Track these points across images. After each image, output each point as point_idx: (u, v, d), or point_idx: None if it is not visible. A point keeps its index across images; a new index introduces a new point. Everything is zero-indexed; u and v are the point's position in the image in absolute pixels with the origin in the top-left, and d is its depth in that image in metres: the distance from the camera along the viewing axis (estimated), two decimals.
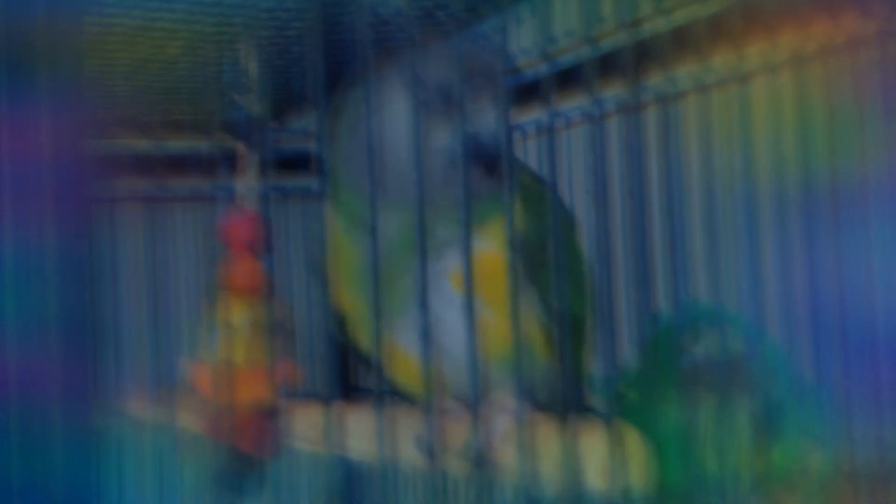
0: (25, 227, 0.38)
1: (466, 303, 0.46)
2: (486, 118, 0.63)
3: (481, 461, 0.48)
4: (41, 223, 0.39)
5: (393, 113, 0.66)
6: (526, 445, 0.48)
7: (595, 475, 0.52)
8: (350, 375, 1.25)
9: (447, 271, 0.66)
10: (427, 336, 0.46)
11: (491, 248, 0.64)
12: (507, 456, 0.59)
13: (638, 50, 0.84)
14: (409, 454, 0.66)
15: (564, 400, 0.51)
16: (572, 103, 0.90)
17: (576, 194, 0.95)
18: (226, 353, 0.82)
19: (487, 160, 0.63)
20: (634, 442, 0.53)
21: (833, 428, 0.68)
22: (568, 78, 0.68)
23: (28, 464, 0.37)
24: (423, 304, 0.46)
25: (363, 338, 0.74)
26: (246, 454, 0.83)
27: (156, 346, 0.43)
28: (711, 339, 0.76)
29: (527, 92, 0.64)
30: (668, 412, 0.81)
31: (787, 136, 0.72)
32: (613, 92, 0.89)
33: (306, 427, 0.80)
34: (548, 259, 0.51)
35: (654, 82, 0.78)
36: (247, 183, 0.88)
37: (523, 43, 0.98)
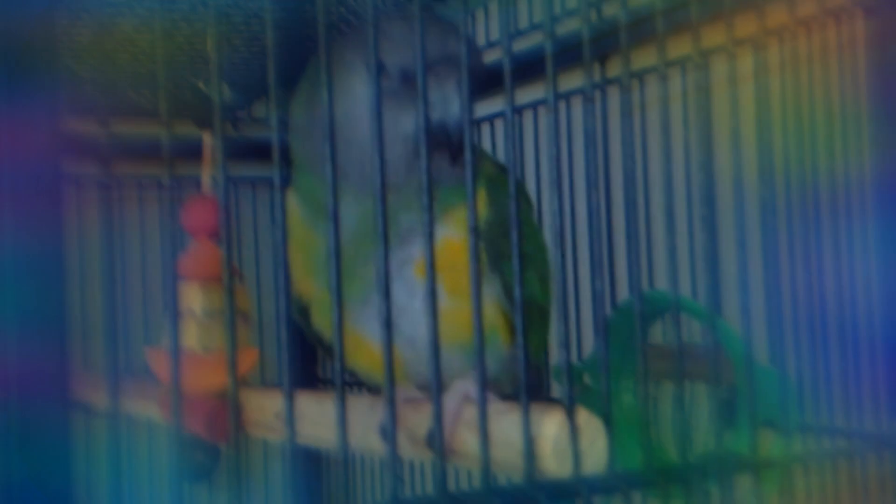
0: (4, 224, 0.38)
1: (428, 289, 0.46)
2: (451, 105, 0.62)
3: (442, 448, 0.48)
4: (14, 219, 0.38)
5: (354, 97, 0.65)
6: (486, 432, 0.48)
7: (554, 461, 0.53)
8: (316, 365, 1.25)
9: (410, 260, 0.66)
10: (389, 324, 0.46)
11: (454, 235, 0.64)
12: (467, 442, 0.59)
13: (604, 41, 0.84)
14: (371, 442, 0.66)
15: (525, 386, 0.51)
16: (537, 93, 0.90)
17: (541, 183, 0.95)
18: (185, 340, 0.81)
19: (452, 147, 0.63)
20: (595, 427, 0.53)
21: (796, 416, 0.68)
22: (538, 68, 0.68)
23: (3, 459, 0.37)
24: (386, 293, 0.46)
25: (325, 326, 0.74)
26: (206, 441, 0.83)
27: (120, 334, 0.43)
28: (672, 328, 0.77)
29: (492, 81, 0.64)
30: (627, 398, 0.81)
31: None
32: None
33: (266, 415, 0.80)
34: (510, 246, 0.51)
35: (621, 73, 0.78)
36: (211, 171, 0.88)
37: (490, 32, 0.98)
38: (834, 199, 0.72)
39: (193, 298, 0.82)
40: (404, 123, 0.64)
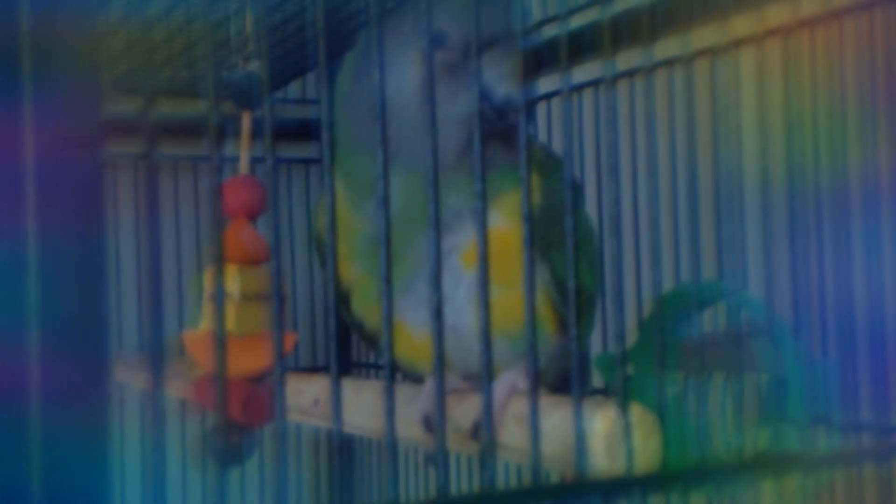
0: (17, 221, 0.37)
1: (481, 280, 0.45)
2: (505, 80, 0.59)
3: (488, 439, 0.46)
4: (42, 218, 0.37)
5: (410, 70, 0.62)
6: (537, 427, 0.47)
7: (606, 457, 0.51)
8: (350, 349, 1.24)
9: (457, 248, 0.63)
10: (440, 317, 0.44)
11: (503, 223, 0.61)
12: (514, 435, 0.58)
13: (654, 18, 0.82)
14: (412, 432, 0.65)
15: (573, 377, 0.49)
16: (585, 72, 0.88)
17: (586, 167, 0.93)
18: (218, 321, 0.80)
19: (508, 127, 0.60)
20: (649, 423, 0.51)
21: (837, 408, 0.67)
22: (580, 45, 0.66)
23: (27, 459, 0.36)
24: (437, 285, 0.44)
25: (364, 313, 0.72)
26: (237, 424, 0.82)
27: (152, 314, 0.42)
28: (717, 316, 0.75)
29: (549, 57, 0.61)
30: (667, 389, 0.80)
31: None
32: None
33: (303, 400, 0.79)
34: (560, 234, 0.50)
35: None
36: (249, 151, 0.86)
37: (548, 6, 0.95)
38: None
39: (230, 281, 0.81)
40: (462, 101, 0.60)
